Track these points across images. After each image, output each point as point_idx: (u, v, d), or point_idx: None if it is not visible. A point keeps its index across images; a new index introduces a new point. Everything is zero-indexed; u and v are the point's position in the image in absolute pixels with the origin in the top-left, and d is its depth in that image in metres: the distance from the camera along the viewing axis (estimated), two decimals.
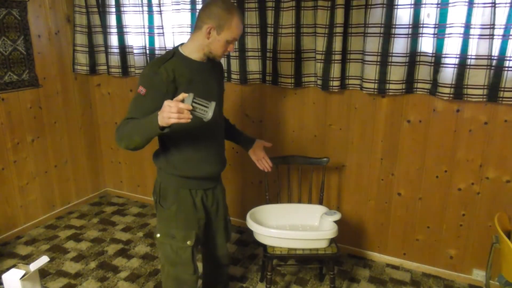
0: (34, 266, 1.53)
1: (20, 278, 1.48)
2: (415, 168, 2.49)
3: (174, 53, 1.67)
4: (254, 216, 2.23)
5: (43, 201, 3.28)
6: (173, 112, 1.38)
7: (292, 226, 2.30)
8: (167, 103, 1.41)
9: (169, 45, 2.97)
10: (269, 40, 2.60)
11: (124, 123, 1.60)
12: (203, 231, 1.88)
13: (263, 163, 2.05)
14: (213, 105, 1.42)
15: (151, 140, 1.57)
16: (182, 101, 1.41)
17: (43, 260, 1.56)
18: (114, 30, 3.14)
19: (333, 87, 2.47)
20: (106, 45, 3.22)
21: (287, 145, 2.84)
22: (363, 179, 2.67)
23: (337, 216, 2.17)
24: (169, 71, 1.60)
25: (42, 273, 2.63)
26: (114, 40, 3.18)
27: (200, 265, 2.31)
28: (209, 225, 1.94)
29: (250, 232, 2.24)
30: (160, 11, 2.91)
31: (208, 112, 1.41)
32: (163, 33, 2.95)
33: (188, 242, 1.79)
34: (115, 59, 3.21)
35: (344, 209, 2.77)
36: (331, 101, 2.62)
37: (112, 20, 3.13)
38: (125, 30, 3.11)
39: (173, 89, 1.60)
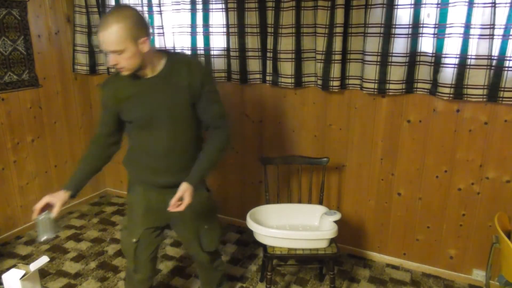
0: (34, 266, 1.53)
1: (20, 278, 1.48)
2: (415, 168, 2.49)
3: None
4: (254, 216, 2.22)
5: None
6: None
7: (292, 226, 2.30)
8: (45, 197, 1.61)
9: (169, 45, 2.97)
10: (269, 40, 2.59)
11: (91, 140, 1.79)
12: (155, 235, 1.85)
13: (174, 206, 1.64)
14: (47, 237, 1.59)
15: None
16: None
17: (43, 260, 1.56)
18: None
19: (333, 87, 2.47)
20: None
21: (287, 145, 2.84)
22: (363, 179, 2.67)
23: (337, 216, 2.17)
24: (112, 88, 1.68)
25: (42, 273, 2.62)
26: None
27: None
28: (177, 230, 1.96)
29: (250, 232, 2.24)
30: (160, 11, 2.91)
31: (41, 236, 1.58)
32: (163, 33, 2.95)
33: (134, 239, 1.81)
34: None
35: (344, 209, 2.77)
36: (331, 101, 2.62)
37: None
38: None
39: (115, 104, 1.67)
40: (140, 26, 1.51)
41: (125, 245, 1.88)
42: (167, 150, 1.71)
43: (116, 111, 1.68)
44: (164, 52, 1.68)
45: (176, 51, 1.70)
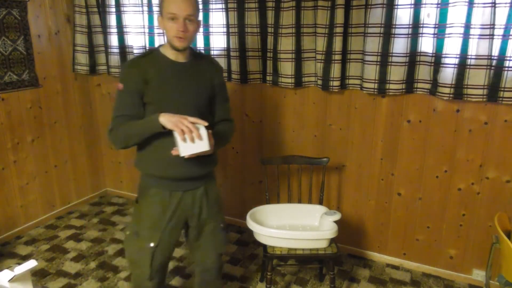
0: (19, 269, 1.49)
1: (9, 280, 1.46)
2: (415, 168, 2.49)
3: (152, 51, 1.73)
4: (254, 216, 2.23)
5: (43, 201, 3.28)
6: (183, 123, 1.49)
7: (292, 226, 2.30)
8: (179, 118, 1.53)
9: None
10: (269, 40, 2.59)
11: (115, 125, 1.67)
12: (175, 237, 1.80)
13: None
14: (188, 151, 1.51)
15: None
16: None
17: (30, 264, 1.52)
18: (114, 30, 3.14)
19: (333, 87, 2.47)
20: (106, 45, 3.22)
21: (287, 145, 2.84)
22: (363, 179, 2.67)
23: (337, 216, 2.17)
24: (141, 68, 1.65)
25: (42, 273, 2.63)
26: (114, 40, 3.18)
27: None
28: (192, 231, 1.84)
29: (250, 232, 2.24)
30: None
31: (182, 151, 1.50)
32: (163, 33, 2.95)
33: (152, 244, 1.72)
34: (115, 59, 3.21)
35: (344, 209, 2.77)
36: (331, 101, 2.62)
37: (112, 20, 3.13)
38: (125, 30, 3.11)
39: (143, 85, 1.64)
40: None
41: (137, 252, 1.75)
42: None
43: (140, 92, 1.65)
44: None
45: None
